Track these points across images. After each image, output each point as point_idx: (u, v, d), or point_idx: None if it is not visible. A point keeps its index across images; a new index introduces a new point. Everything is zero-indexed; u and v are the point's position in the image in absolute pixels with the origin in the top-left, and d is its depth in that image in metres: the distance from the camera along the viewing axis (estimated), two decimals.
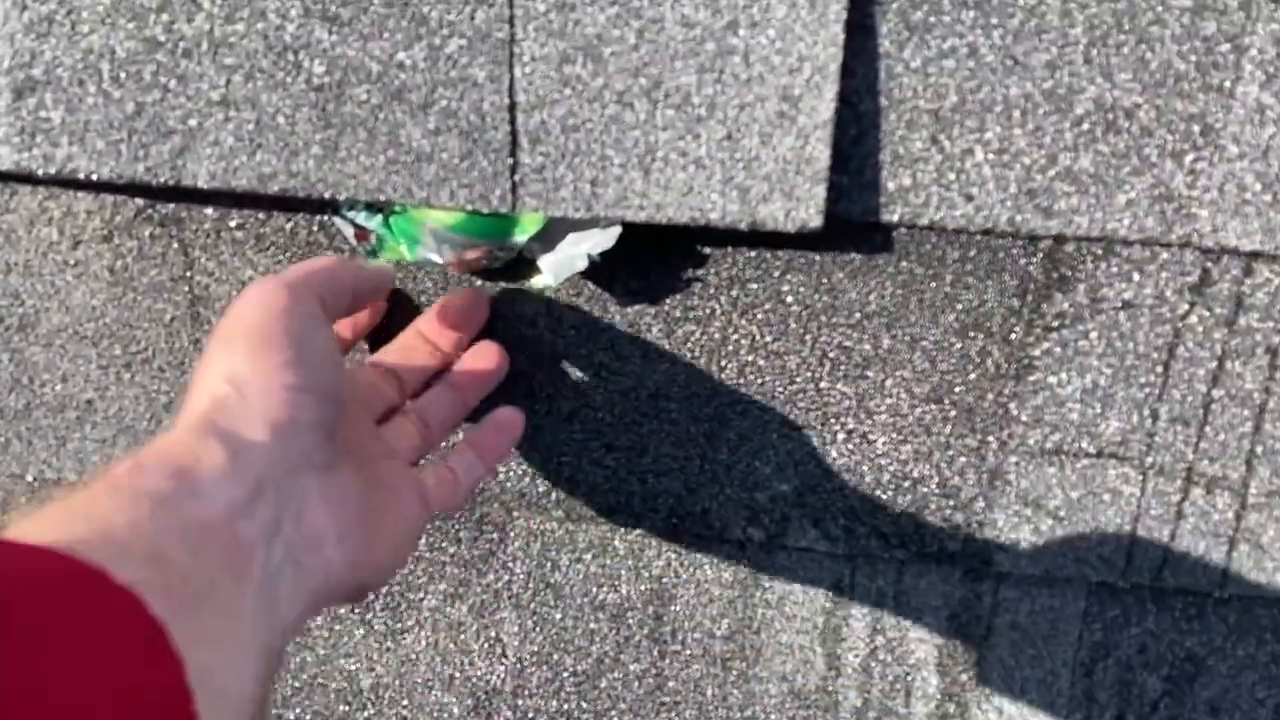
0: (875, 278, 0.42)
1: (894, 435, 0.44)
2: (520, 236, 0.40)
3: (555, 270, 0.41)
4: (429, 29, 0.37)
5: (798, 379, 0.44)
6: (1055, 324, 0.42)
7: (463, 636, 0.50)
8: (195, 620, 0.22)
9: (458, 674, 0.50)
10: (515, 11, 0.37)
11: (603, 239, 0.39)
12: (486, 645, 0.50)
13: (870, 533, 0.45)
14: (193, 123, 0.39)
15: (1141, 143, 0.38)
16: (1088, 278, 0.41)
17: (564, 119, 0.38)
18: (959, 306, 0.42)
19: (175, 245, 0.43)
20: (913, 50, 0.38)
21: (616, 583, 0.48)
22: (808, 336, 0.43)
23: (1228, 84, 0.37)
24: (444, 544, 0.49)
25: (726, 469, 0.45)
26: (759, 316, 0.43)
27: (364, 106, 0.38)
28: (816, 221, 0.38)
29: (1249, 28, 0.36)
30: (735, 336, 0.43)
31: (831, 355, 0.43)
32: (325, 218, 0.42)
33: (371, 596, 0.50)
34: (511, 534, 0.48)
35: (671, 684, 0.50)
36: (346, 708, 0.51)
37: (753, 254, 0.42)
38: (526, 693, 0.50)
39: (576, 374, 0.44)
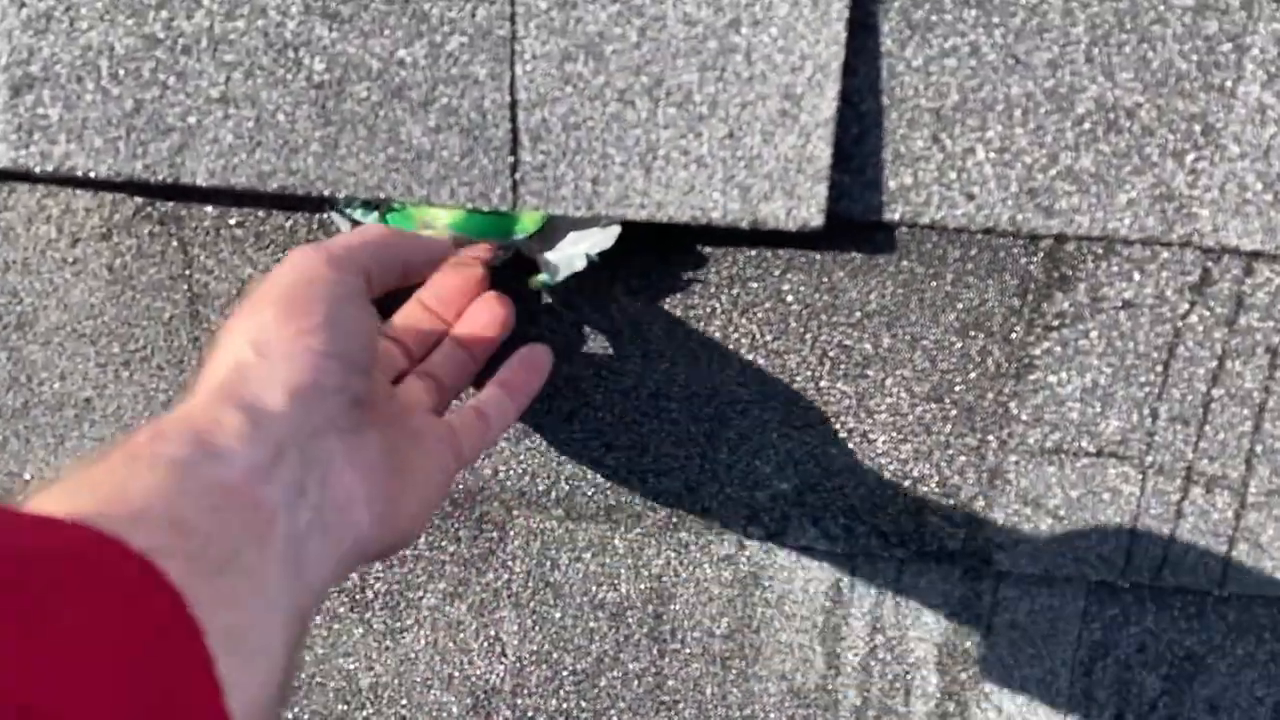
0: (876, 277, 0.42)
1: (894, 434, 0.44)
2: (519, 235, 0.40)
3: (554, 270, 0.41)
4: (430, 26, 0.37)
5: (798, 378, 0.43)
6: (1056, 323, 0.42)
7: (462, 635, 0.50)
8: (219, 583, 0.22)
9: (457, 673, 0.50)
10: (516, 9, 0.37)
11: (602, 239, 0.39)
12: (486, 644, 0.50)
13: (870, 531, 0.45)
14: (192, 120, 0.39)
15: (1143, 142, 0.38)
16: (1088, 277, 0.41)
17: (565, 117, 0.37)
18: (960, 305, 0.42)
19: (174, 243, 0.43)
20: (914, 49, 0.38)
21: (616, 581, 0.48)
22: (808, 335, 0.43)
23: (1229, 83, 0.37)
24: (444, 543, 0.48)
25: (727, 468, 0.45)
26: (759, 315, 0.43)
27: (364, 104, 0.38)
28: (818, 220, 0.38)
29: (1250, 27, 0.36)
30: (735, 335, 0.43)
31: (832, 354, 0.43)
32: (325, 215, 0.42)
33: (371, 596, 0.50)
34: (511, 533, 0.48)
35: (671, 683, 0.50)
36: (345, 707, 0.51)
37: (753, 253, 0.42)
38: (526, 691, 0.50)
39: (577, 372, 0.44)
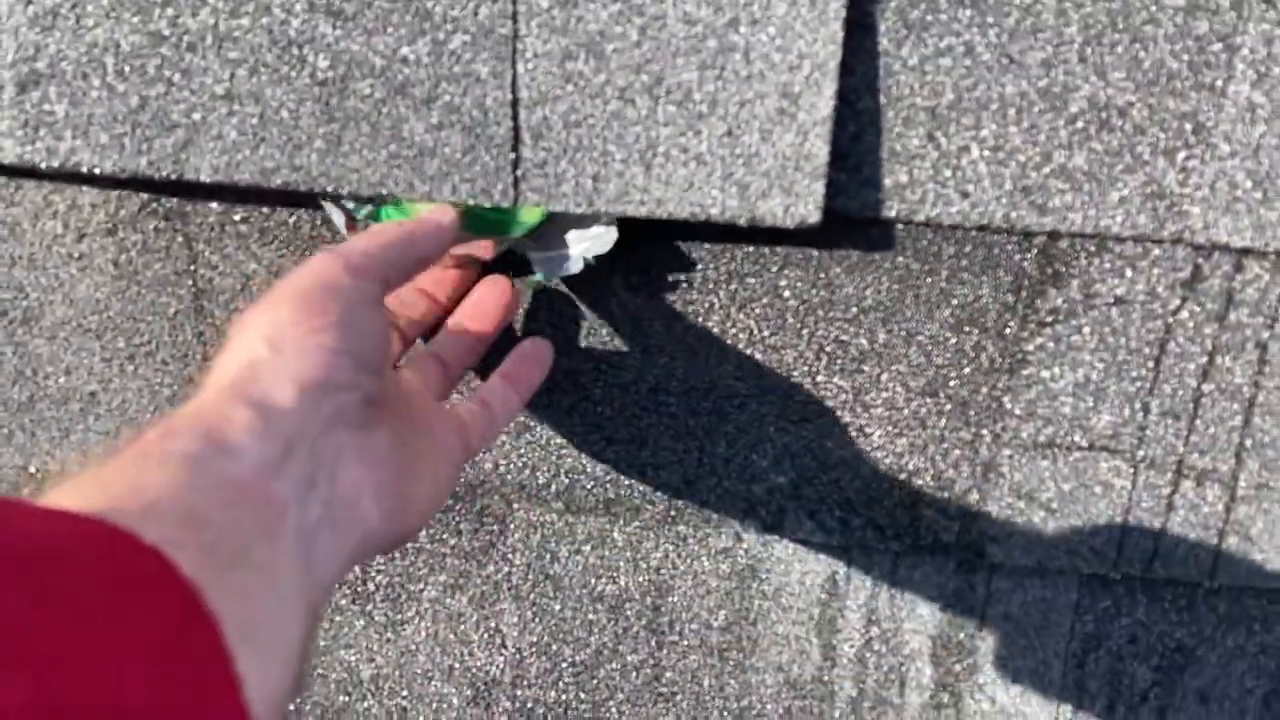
0: (872, 273, 0.42)
1: (889, 428, 0.44)
2: (517, 232, 0.40)
3: (549, 271, 0.41)
4: (433, 24, 0.38)
5: (795, 373, 0.44)
6: (1049, 319, 0.42)
7: (462, 627, 0.50)
8: (231, 577, 0.22)
9: (457, 664, 0.51)
10: (519, 7, 0.37)
11: (598, 243, 0.40)
12: (486, 636, 0.50)
13: (865, 525, 0.46)
14: (196, 116, 0.39)
15: (1134, 140, 0.39)
16: (1081, 273, 0.42)
17: (566, 114, 0.38)
18: (954, 301, 0.42)
19: (179, 239, 0.44)
20: (910, 48, 0.38)
21: (615, 574, 0.49)
22: (805, 331, 0.43)
23: (1219, 83, 0.38)
24: (444, 536, 0.49)
25: (724, 461, 0.46)
26: (757, 311, 0.43)
27: (367, 101, 0.38)
28: (815, 217, 0.39)
29: (1240, 27, 0.37)
30: (733, 331, 0.44)
31: (828, 349, 0.44)
32: (325, 205, 0.43)
33: (372, 588, 0.50)
34: (511, 526, 0.48)
35: (669, 674, 0.50)
36: (346, 698, 0.52)
37: (751, 249, 0.42)
38: (525, 683, 0.51)
39: (577, 367, 0.45)
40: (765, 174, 0.38)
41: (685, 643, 0.49)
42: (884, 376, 0.44)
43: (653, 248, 0.42)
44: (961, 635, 0.48)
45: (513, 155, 0.38)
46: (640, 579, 0.49)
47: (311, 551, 0.25)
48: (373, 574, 0.50)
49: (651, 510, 0.47)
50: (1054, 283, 0.42)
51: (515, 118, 0.38)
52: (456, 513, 0.48)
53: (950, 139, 0.39)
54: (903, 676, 0.49)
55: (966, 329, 0.43)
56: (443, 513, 0.49)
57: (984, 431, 0.44)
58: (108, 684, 0.18)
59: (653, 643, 0.50)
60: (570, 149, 0.38)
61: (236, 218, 0.43)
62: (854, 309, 0.43)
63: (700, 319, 0.44)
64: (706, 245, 0.42)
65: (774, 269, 0.43)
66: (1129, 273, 0.41)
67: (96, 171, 0.40)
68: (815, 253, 0.42)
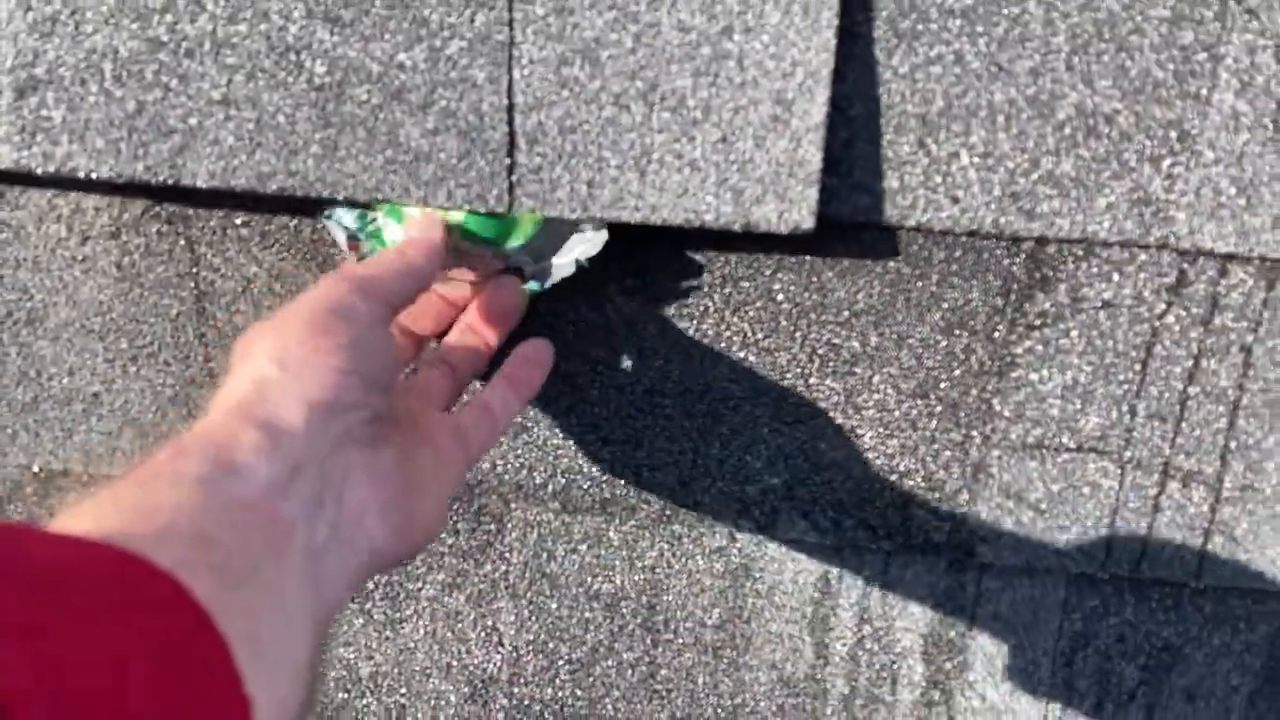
0: (864, 277, 0.43)
1: (881, 430, 0.45)
2: (513, 243, 0.40)
3: (542, 279, 0.41)
4: (430, 31, 0.38)
5: (788, 375, 0.45)
6: (1037, 323, 0.43)
7: (460, 625, 0.51)
8: (240, 596, 0.22)
9: (455, 662, 0.51)
10: (515, 15, 0.37)
11: (589, 245, 0.40)
12: (483, 634, 0.51)
13: (858, 525, 0.47)
14: (193, 122, 0.39)
15: (1121, 148, 0.39)
16: (1069, 278, 0.42)
17: (561, 120, 0.38)
18: (944, 305, 0.43)
19: (181, 242, 0.44)
20: (901, 57, 0.39)
21: (611, 573, 0.49)
22: (798, 334, 0.44)
23: (1204, 91, 0.38)
24: (442, 535, 0.49)
25: (719, 462, 0.46)
26: (751, 314, 0.44)
27: (364, 106, 0.39)
28: (809, 223, 0.39)
29: (1225, 37, 0.38)
30: (728, 334, 0.44)
31: (821, 352, 0.44)
32: (319, 223, 0.43)
33: (371, 586, 0.51)
34: (509, 525, 0.49)
35: (664, 672, 0.51)
36: (345, 695, 0.52)
37: (745, 254, 0.43)
38: (522, 680, 0.51)
39: (574, 370, 0.45)
40: (759, 180, 0.39)
41: (680, 641, 0.50)
42: (875, 379, 0.44)
43: (648, 253, 0.43)
44: (952, 633, 0.49)
45: (508, 160, 0.39)
46: (635, 578, 0.49)
47: (319, 571, 0.26)
48: None
49: (647, 510, 0.48)
50: (1042, 287, 0.42)
51: (511, 123, 0.39)
52: (455, 512, 0.49)
53: (940, 146, 0.39)
54: (894, 674, 0.50)
55: (956, 332, 0.43)
56: None
57: (974, 433, 0.45)
58: (118, 704, 0.18)
59: (648, 641, 0.50)
60: (565, 155, 0.39)
61: (238, 221, 0.44)
62: (846, 312, 0.43)
63: (695, 322, 0.44)
64: (701, 250, 0.43)
65: (768, 273, 0.43)
66: (1116, 277, 0.42)
67: (92, 176, 0.40)
68: (808, 257, 0.43)
